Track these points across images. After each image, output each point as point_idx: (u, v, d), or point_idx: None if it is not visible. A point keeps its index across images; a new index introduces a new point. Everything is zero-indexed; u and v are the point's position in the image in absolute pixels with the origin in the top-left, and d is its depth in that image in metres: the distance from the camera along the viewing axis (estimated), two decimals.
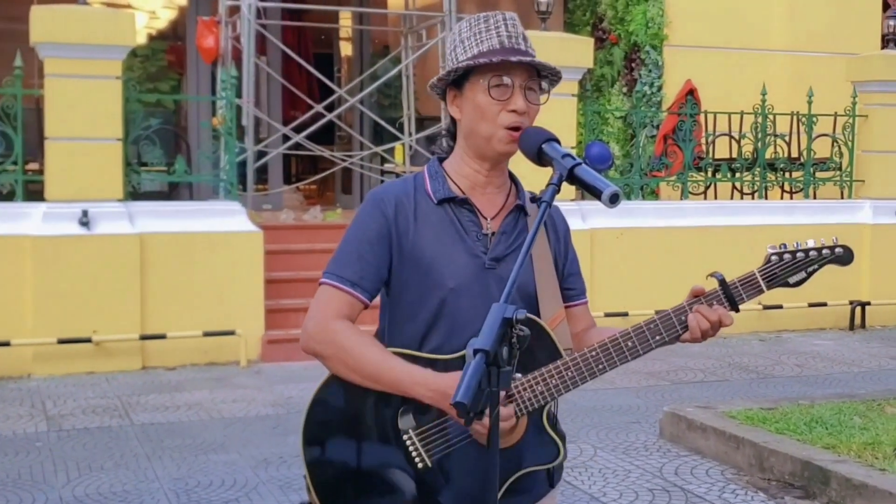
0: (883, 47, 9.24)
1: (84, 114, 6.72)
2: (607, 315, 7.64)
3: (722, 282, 1.88)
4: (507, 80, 1.86)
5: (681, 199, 8.41)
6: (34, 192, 7.11)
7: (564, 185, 1.81)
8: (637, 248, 7.88)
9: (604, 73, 9.79)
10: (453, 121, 1.97)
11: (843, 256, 1.91)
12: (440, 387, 1.76)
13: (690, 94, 8.73)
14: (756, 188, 8.75)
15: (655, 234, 7.95)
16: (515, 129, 1.87)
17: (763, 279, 1.89)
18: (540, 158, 1.84)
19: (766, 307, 8.22)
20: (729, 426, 4.76)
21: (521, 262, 1.65)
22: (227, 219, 7.15)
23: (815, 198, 8.86)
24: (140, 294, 6.76)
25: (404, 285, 1.89)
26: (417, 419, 1.82)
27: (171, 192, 8.78)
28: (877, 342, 8.00)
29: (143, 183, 7.50)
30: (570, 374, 1.84)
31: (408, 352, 1.86)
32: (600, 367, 1.85)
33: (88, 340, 6.60)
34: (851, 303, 8.51)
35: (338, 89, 9.50)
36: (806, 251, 1.89)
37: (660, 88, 9.49)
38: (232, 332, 6.91)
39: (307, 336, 1.88)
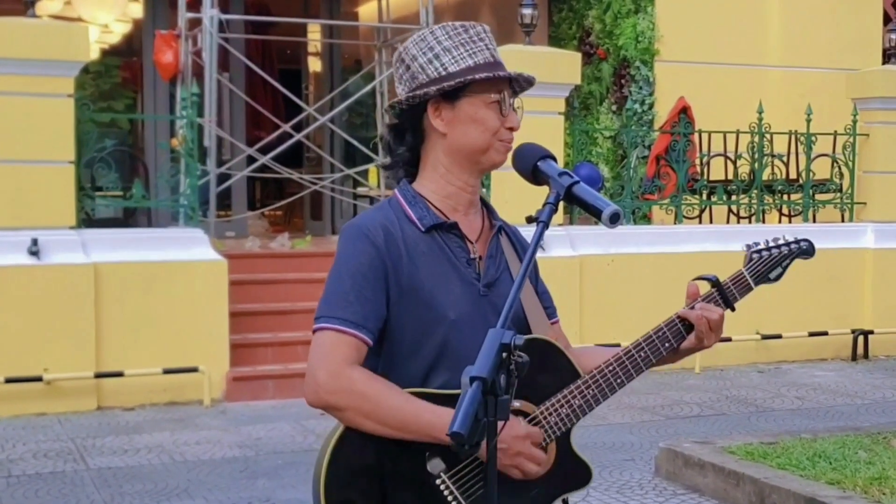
0: (884, 62, 9.44)
1: (34, 134, 6.72)
2: (598, 346, 7.70)
3: (716, 283, 2.04)
4: (503, 95, 1.95)
5: (674, 223, 8.52)
6: None
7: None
8: (629, 276, 7.97)
9: (592, 90, 9.90)
10: (415, 137, 1.97)
11: (809, 249, 2.15)
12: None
13: (684, 111, 8.83)
14: (753, 211, 8.87)
15: (648, 260, 8.05)
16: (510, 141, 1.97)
17: (751, 277, 2.08)
18: (535, 176, 1.91)
19: (765, 337, 8.34)
20: (728, 462, 4.84)
21: (520, 284, 1.72)
22: (189, 247, 7.16)
23: (814, 221, 9.00)
24: (95, 329, 6.74)
25: (403, 321, 1.89)
26: (447, 460, 1.83)
27: (128, 219, 8.78)
28: (880, 373, 8.12)
29: (98, 209, 7.50)
30: (591, 392, 1.93)
31: (423, 390, 1.85)
32: (618, 380, 1.95)
33: (39, 379, 6.57)
34: (853, 332, 8.64)
35: (306, 107, 9.58)
36: (779, 247, 2.11)
37: (651, 106, 9.61)
38: (194, 369, 6.91)
39: (317, 388, 1.82)
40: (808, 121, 8.77)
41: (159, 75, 9.52)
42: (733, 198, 8.84)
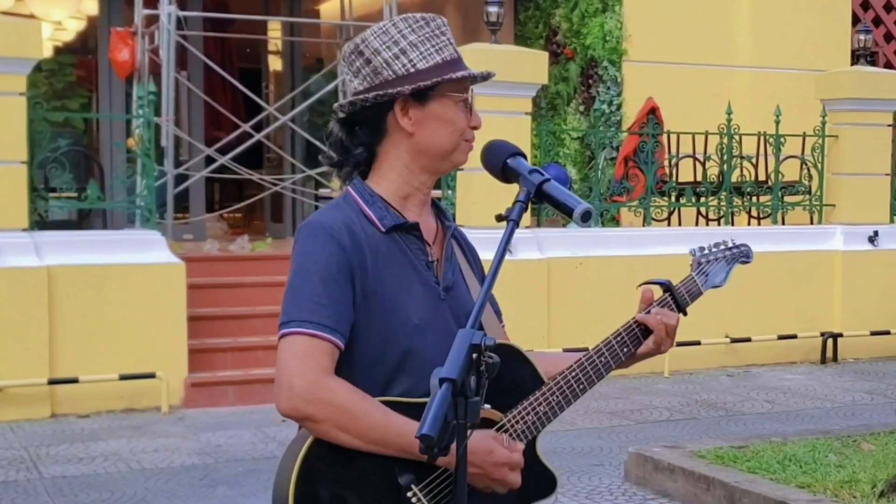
0: (853, 63, 9.56)
1: None
2: (566, 351, 7.72)
3: (669, 288, 2.07)
4: (470, 93, 1.95)
5: (643, 225, 8.57)
6: None
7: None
8: (597, 279, 8.00)
9: (559, 91, 9.94)
10: (375, 135, 1.92)
11: (748, 252, 2.21)
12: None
13: (652, 112, 8.91)
14: (722, 213, 8.95)
15: (617, 263, 8.07)
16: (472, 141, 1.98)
17: (701, 283, 2.13)
18: (505, 174, 1.90)
19: (734, 340, 8.41)
20: (698, 466, 4.89)
21: (490, 284, 1.72)
22: (145, 250, 7.10)
23: (783, 223, 9.10)
24: (48, 333, 6.66)
25: (367, 325, 1.85)
26: (418, 473, 1.81)
27: (83, 221, 8.68)
28: (850, 376, 8.23)
29: (52, 210, 7.41)
30: (556, 398, 1.93)
31: (388, 398, 1.83)
32: (581, 386, 1.96)
33: None
34: (823, 335, 8.75)
35: (266, 106, 9.53)
36: (723, 251, 2.18)
37: (619, 107, 9.63)
38: (152, 375, 6.84)
39: (293, 397, 1.77)
40: (777, 122, 8.87)
41: (115, 74, 9.44)
42: (702, 200, 8.90)
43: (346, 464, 1.79)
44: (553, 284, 7.82)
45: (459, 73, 1.90)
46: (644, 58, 9.70)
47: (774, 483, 4.57)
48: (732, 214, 9.00)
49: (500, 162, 1.90)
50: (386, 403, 1.82)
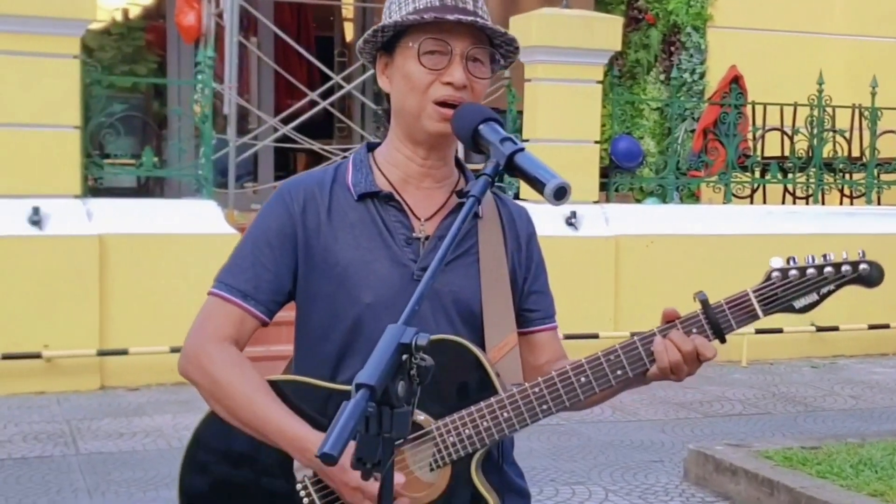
0: None
1: (37, 97, 6.60)
2: (634, 335, 7.40)
3: (705, 303, 1.67)
4: (444, 45, 1.69)
5: (723, 202, 8.24)
6: None
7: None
8: (671, 259, 7.67)
9: (638, 58, 9.63)
10: (388, 98, 1.81)
11: (870, 275, 1.71)
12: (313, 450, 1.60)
13: (735, 81, 8.51)
14: (811, 191, 8.59)
15: (692, 242, 7.74)
16: (451, 105, 1.69)
17: (759, 301, 1.68)
18: (475, 143, 1.66)
19: (820, 329, 8.00)
20: (763, 468, 4.59)
21: (435, 269, 1.47)
22: (199, 219, 7.02)
23: (879, 203, 8.70)
24: (98, 304, 6.63)
25: (312, 299, 1.76)
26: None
27: (146, 189, 8.67)
28: None
29: (112, 178, 7.38)
30: (505, 414, 1.66)
31: (315, 382, 1.72)
32: (544, 407, 1.66)
33: (39, 356, 6.48)
34: None
35: (333, 75, 9.36)
36: (819, 267, 1.69)
37: (702, 76, 9.35)
38: None
39: (183, 357, 1.76)
40: (874, 94, 8.44)
41: (182, 38, 9.38)
42: (789, 176, 8.53)
43: (239, 441, 1.71)
44: (621, 264, 7.51)
45: (412, 18, 1.67)
46: (730, 24, 9.40)
47: (844, 490, 4.26)
48: (822, 192, 8.63)
49: (470, 128, 1.65)
50: (321, 390, 1.69)
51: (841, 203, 8.87)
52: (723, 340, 1.68)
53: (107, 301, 6.67)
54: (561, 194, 1.54)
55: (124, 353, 6.66)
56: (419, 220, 1.76)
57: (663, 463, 5.27)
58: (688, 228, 7.82)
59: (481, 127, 1.64)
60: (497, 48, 1.75)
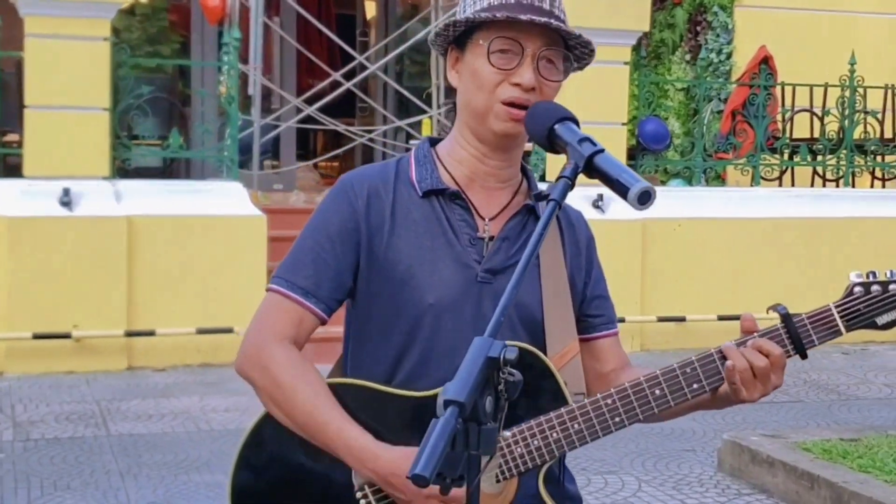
0: None
1: (68, 79, 6.61)
2: (660, 320, 7.37)
3: (786, 317, 1.61)
4: (515, 45, 1.64)
5: (751, 185, 8.14)
6: (12, 167, 7.01)
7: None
8: (698, 243, 7.60)
9: (664, 38, 9.48)
10: (455, 92, 1.76)
11: None
12: (381, 468, 1.55)
13: (765, 62, 8.41)
14: (842, 174, 8.47)
15: (720, 226, 7.66)
16: (520, 106, 1.64)
17: (842, 317, 1.64)
18: (551, 143, 1.60)
19: None
20: (802, 461, 4.48)
21: (518, 278, 1.41)
22: (225, 200, 7.00)
23: None
24: (127, 284, 6.62)
25: (373, 297, 1.70)
26: None
27: (171, 170, 8.63)
28: None
29: (138, 159, 7.36)
30: (576, 426, 1.61)
31: (374, 386, 1.66)
32: (617, 419, 1.61)
33: (68, 336, 6.48)
34: None
35: (356, 55, 9.28)
36: None
37: (729, 56, 9.20)
38: (229, 330, 6.73)
39: (242, 356, 1.70)
40: None
41: (206, 19, 9.31)
42: (819, 158, 8.44)
43: (295, 445, 1.65)
44: (648, 247, 7.45)
45: (485, 15, 1.62)
46: (758, 3, 9.25)
47: (889, 485, 4.14)
48: (853, 175, 8.52)
49: (545, 128, 1.59)
50: (376, 393, 1.63)
51: (872, 186, 8.74)
52: (804, 356, 1.64)
53: (134, 282, 6.67)
54: (645, 199, 1.49)
55: (151, 334, 6.66)
56: (483, 219, 1.71)
57: (696, 452, 5.19)
58: (716, 211, 7.73)
59: (557, 126, 1.58)
60: (571, 49, 1.69)
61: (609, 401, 1.61)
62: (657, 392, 1.61)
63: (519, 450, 1.60)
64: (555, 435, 1.60)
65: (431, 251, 1.68)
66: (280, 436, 1.66)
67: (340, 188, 1.73)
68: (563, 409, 1.61)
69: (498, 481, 1.61)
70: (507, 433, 1.60)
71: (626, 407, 1.61)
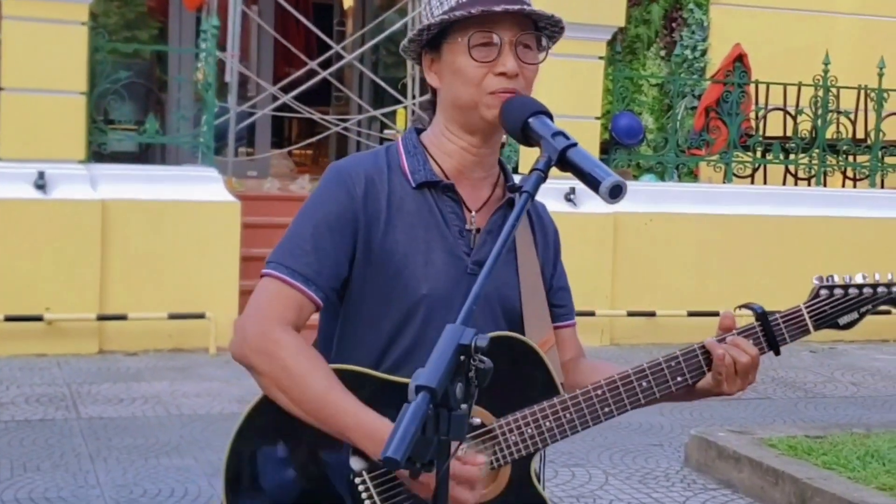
0: None
1: (45, 62, 6.57)
2: (630, 314, 7.42)
3: (762, 315, 1.73)
4: (493, 36, 1.67)
5: (723, 181, 8.18)
6: None
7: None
8: (669, 238, 7.65)
9: (639, 34, 9.50)
10: (433, 90, 1.78)
11: None
12: None
13: (739, 60, 8.42)
14: (813, 173, 8.51)
15: (691, 221, 7.71)
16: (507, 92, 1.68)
17: (811, 317, 1.77)
18: (526, 136, 1.63)
19: None
20: (767, 457, 4.52)
21: (490, 267, 1.44)
22: (200, 186, 6.98)
23: (882, 186, 8.63)
24: (100, 268, 6.61)
25: (366, 286, 1.71)
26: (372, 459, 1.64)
27: (146, 156, 8.58)
28: None
29: (113, 144, 7.32)
30: (568, 416, 1.67)
31: (369, 372, 1.68)
32: (606, 409, 1.68)
33: (40, 319, 6.48)
34: None
35: (333, 44, 9.26)
36: (860, 287, 1.79)
37: (704, 53, 9.24)
38: (201, 315, 6.74)
39: (243, 342, 1.65)
40: (881, 75, 8.35)
41: (184, 5, 9.25)
42: (791, 157, 8.49)
43: (292, 431, 1.63)
44: (620, 241, 7.49)
45: (459, 13, 1.64)
46: (733, 1, 9.27)
47: (852, 482, 4.18)
48: (825, 174, 8.55)
49: (519, 121, 1.62)
50: (365, 378, 1.64)
51: (843, 185, 8.79)
52: (777, 353, 1.75)
53: (107, 266, 6.65)
54: (616, 192, 1.51)
55: (123, 318, 6.65)
56: (471, 212, 1.75)
57: (663, 447, 5.23)
58: (688, 207, 7.78)
59: (531, 120, 1.61)
60: (542, 30, 1.73)
61: (599, 392, 1.67)
62: (644, 384, 1.69)
63: (513, 437, 1.64)
64: (547, 424, 1.65)
65: (425, 242, 1.71)
66: (276, 422, 1.64)
67: (337, 177, 1.72)
68: (555, 399, 1.66)
69: (492, 468, 1.65)
70: (503, 421, 1.65)
71: (615, 397, 1.68)
